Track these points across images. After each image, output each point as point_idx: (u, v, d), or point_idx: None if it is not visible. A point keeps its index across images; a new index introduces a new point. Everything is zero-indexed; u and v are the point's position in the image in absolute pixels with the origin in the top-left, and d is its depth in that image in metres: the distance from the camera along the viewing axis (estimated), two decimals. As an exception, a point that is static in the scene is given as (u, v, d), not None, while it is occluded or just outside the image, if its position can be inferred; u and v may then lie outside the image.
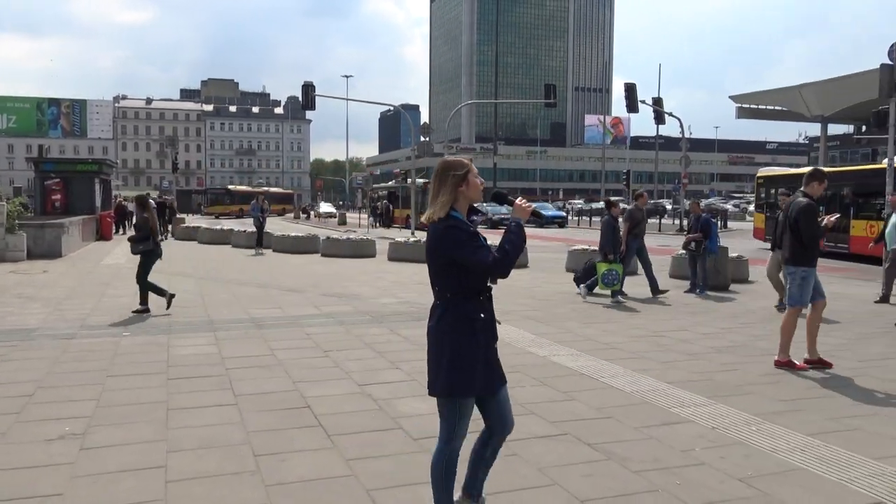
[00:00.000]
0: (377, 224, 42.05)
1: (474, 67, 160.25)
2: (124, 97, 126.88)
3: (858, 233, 20.24)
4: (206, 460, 4.29)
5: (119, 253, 19.61)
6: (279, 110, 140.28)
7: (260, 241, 21.03)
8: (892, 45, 15.71)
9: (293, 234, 22.91)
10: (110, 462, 4.23)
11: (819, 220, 6.79)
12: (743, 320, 9.72)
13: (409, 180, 36.35)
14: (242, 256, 19.88)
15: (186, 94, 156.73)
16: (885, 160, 16.90)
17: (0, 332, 8.24)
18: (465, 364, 3.07)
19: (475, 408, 3.24)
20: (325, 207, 65.66)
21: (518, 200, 3.21)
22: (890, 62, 15.60)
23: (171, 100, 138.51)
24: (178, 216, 33.51)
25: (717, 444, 4.66)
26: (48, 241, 18.63)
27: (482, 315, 3.11)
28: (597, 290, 11.49)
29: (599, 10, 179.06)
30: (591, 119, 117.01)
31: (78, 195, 26.25)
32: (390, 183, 51.54)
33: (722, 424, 5.06)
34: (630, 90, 30.92)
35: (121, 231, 30.55)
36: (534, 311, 10.25)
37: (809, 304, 6.88)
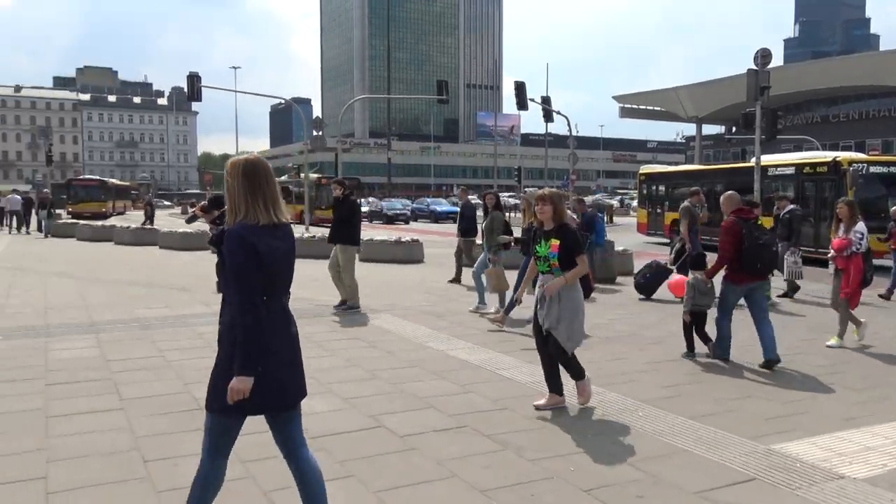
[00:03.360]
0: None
1: (366, 62, 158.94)
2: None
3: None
4: (91, 469, 4.07)
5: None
6: (163, 101, 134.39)
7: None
8: (756, 52, 16.84)
9: (181, 230, 22.04)
10: (-17, 476, 3.94)
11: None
12: (630, 311, 10.17)
13: (303, 175, 35.67)
14: (125, 254, 18.88)
15: (60, 83, 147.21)
16: (753, 159, 18.11)
17: None
18: None
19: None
20: None
21: None
22: (755, 67, 16.71)
23: (43, 88, 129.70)
24: (55, 211, 30.75)
25: (607, 429, 4.88)
26: None
27: None
28: None
29: (489, 8, 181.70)
30: (483, 119, 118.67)
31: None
32: (283, 178, 50.38)
33: (611, 411, 5.29)
34: (520, 88, 31.48)
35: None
36: (431, 305, 10.33)
37: None
